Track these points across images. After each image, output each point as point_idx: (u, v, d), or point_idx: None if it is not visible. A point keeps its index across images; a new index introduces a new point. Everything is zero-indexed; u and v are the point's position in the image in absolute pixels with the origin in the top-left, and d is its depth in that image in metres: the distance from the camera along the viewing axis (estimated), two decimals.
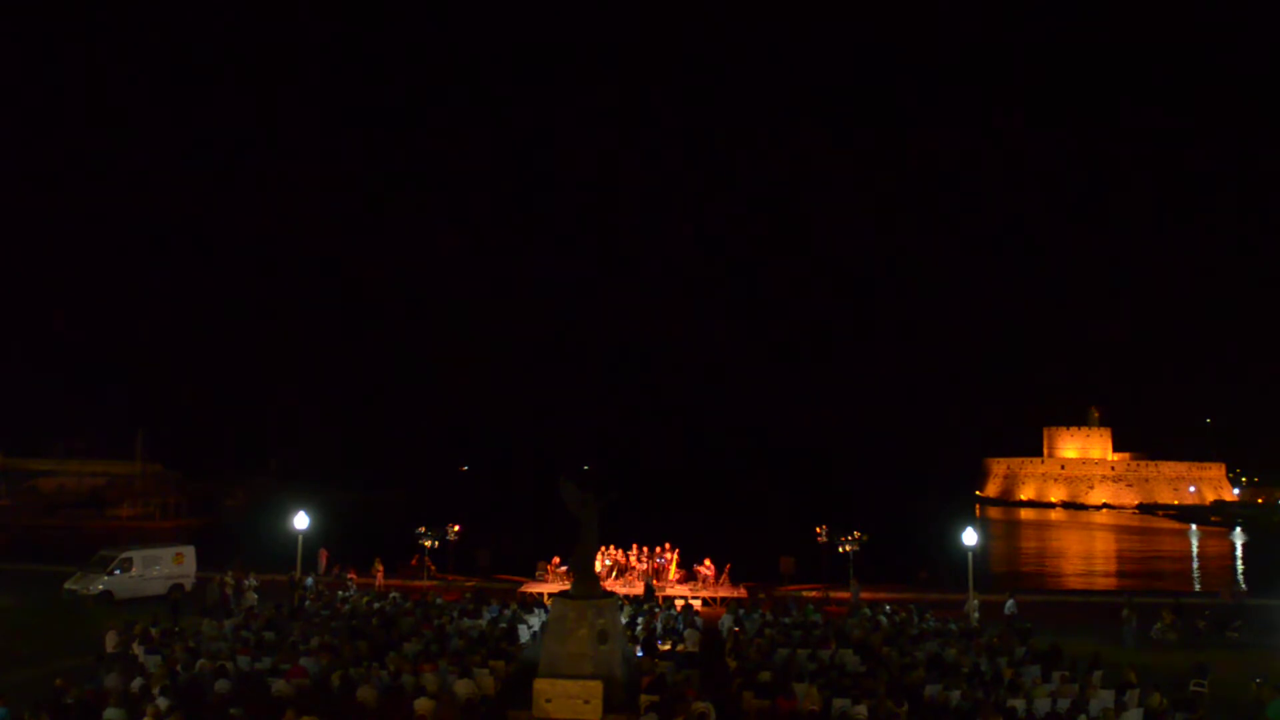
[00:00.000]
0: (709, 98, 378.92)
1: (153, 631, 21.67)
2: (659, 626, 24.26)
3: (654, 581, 34.47)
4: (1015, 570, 56.44)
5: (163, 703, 14.73)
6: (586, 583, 19.33)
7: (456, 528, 38.43)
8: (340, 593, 30.93)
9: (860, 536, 37.02)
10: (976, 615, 27.62)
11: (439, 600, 28.79)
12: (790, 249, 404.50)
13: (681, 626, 24.60)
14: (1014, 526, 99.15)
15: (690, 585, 34.18)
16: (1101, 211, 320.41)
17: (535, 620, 25.64)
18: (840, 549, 37.33)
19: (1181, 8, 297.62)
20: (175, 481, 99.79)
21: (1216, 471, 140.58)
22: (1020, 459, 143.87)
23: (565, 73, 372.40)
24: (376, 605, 27.38)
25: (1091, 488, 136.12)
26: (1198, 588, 48.34)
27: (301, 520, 31.65)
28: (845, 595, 34.18)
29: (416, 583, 35.70)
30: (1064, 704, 16.60)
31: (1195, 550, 73.62)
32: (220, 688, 16.49)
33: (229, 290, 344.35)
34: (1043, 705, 16.53)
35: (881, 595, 33.68)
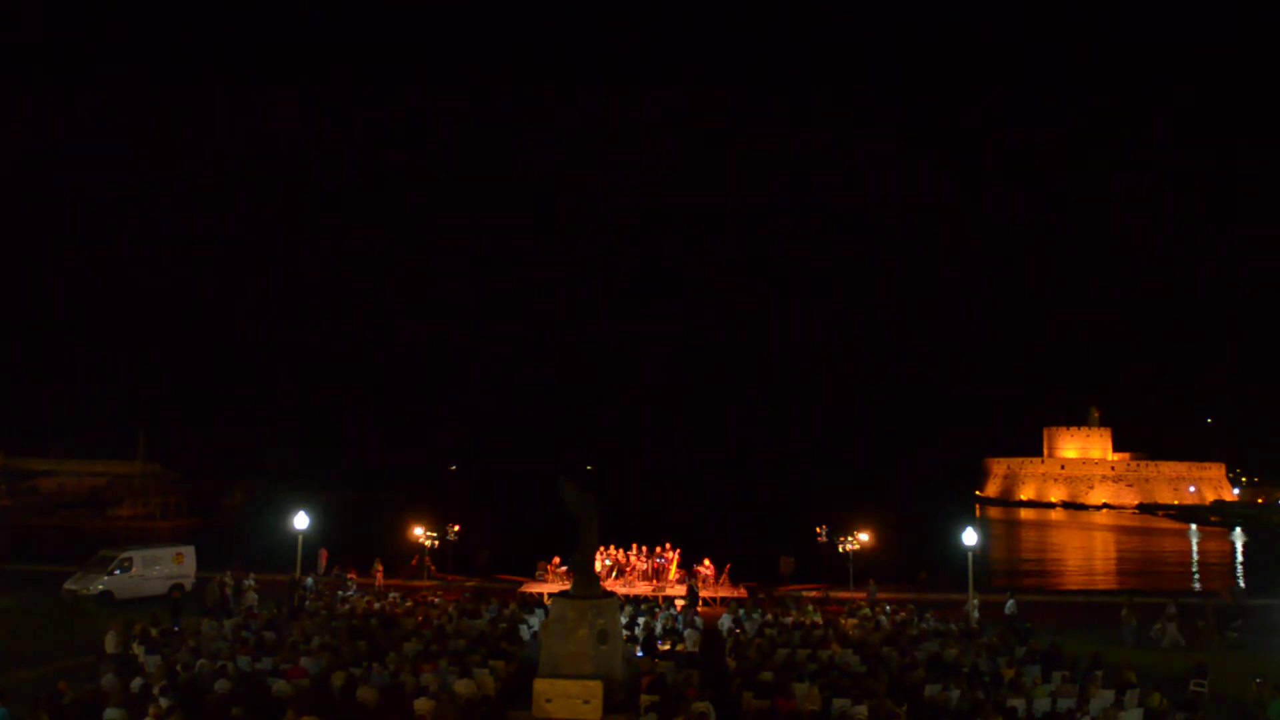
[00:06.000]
0: (706, 98, 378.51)
1: (153, 631, 21.64)
2: (659, 626, 24.26)
3: (654, 581, 34.46)
4: (1015, 570, 56.41)
5: (163, 703, 14.72)
6: (586, 583, 19.31)
7: (456, 528, 38.43)
8: (340, 593, 30.94)
9: (860, 537, 37.03)
10: (976, 615, 27.61)
11: (438, 600, 28.79)
12: (791, 249, 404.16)
13: (681, 626, 24.60)
14: (1014, 526, 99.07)
15: (688, 584, 34.13)
16: (1102, 211, 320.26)
17: (535, 620, 25.62)
18: (840, 549, 37.33)
19: (1182, 7, 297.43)
20: (175, 481, 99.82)
21: (1216, 471, 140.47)
22: (1020, 459, 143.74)
23: (562, 72, 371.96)
24: (376, 605, 27.40)
25: (1091, 488, 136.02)
26: (1198, 587, 48.30)
27: (301, 520, 31.61)
28: (846, 595, 34.16)
29: (416, 583, 35.68)
30: (1064, 704, 16.59)
31: (1195, 550, 73.59)
32: (220, 688, 16.47)
33: (229, 291, 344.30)
34: (1043, 705, 16.52)
35: (882, 595, 33.64)
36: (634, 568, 35.24)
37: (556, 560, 35.04)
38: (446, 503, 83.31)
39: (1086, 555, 70.80)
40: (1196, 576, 55.45)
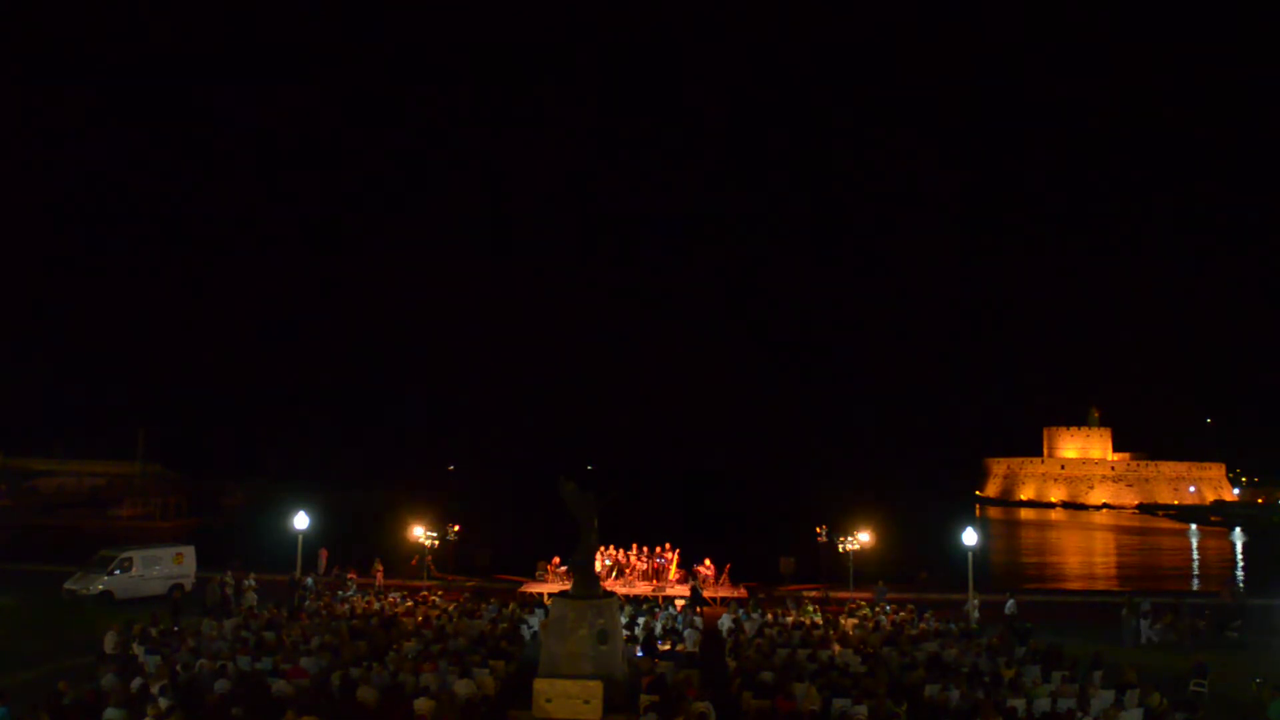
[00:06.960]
0: (701, 99, 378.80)
1: (153, 631, 21.66)
2: (659, 626, 24.25)
3: (654, 581, 34.43)
4: (1015, 570, 56.38)
5: (163, 703, 14.71)
6: (586, 583, 19.32)
7: (456, 528, 38.41)
8: (340, 593, 30.94)
9: (860, 536, 37.00)
10: (976, 615, 27.62)
11: (439, 600, 28.77)
12: (790, 247, 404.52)
13: (681, 626, 24.59)
14: (1014, 526, 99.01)
15: (690, 585, 34.13)
16: (1101, 211, 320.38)
17: (535, 620, 25.63)
18: (840, 549, 37.31)
19: (1182, 7, 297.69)
20: (175, 481, 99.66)
21: (1216, 471, 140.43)
22: (1020, 459, 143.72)
23: (558, 71, 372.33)
24: (376, 605, 27.40)
25: (1091, 488, 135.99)
26: (1198, 587, 48.29)
27: (301, 520, 31.62)
28: (846, 595, 34.14)
29: (416, 583, 35.67)
30: (1064, 704, 16.58)
31: (1195, 550, 73.57)
32: (220, 688, 16.47)
33: (228, 291, 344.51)
34: (1043, 705, 16.52)
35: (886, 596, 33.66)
36: (634, 568, 35.23)
37: (556, 560, 35.02)
38: (446, 503, 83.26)
39: (1086, 555, 70.79)
40: (1196, 577, 55.41)
